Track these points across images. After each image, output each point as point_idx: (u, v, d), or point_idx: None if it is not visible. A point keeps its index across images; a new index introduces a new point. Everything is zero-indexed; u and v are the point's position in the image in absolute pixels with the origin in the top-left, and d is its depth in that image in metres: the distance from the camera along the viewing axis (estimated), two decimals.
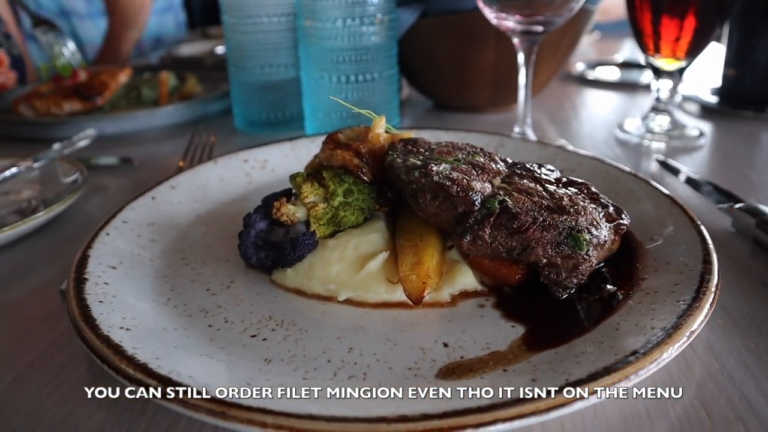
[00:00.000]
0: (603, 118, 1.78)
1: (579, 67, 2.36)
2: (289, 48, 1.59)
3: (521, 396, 0.57)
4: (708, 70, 2.12)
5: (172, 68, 2.18)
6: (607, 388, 0.58)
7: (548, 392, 0.57)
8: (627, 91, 2.11)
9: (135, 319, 0.75)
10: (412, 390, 0.62)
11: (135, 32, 3.05)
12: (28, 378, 0.74)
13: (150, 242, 0.97)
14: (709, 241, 0.84)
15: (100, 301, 0.77)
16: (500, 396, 0.58)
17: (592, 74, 2.28)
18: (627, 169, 1.10)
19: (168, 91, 1.90)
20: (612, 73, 2.32)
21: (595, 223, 0.79)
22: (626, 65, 2.46)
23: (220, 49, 2.70)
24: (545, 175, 0.88)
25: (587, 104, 1.97)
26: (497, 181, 0.84)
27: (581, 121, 1.77)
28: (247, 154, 1.26)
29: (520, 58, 1.36)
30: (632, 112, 1.82)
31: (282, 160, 1.26)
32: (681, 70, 1.48)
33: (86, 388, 0.68)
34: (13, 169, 1.28)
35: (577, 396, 0.57)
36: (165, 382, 0.61)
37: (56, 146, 1.39)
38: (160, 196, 1.09)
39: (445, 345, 0.72)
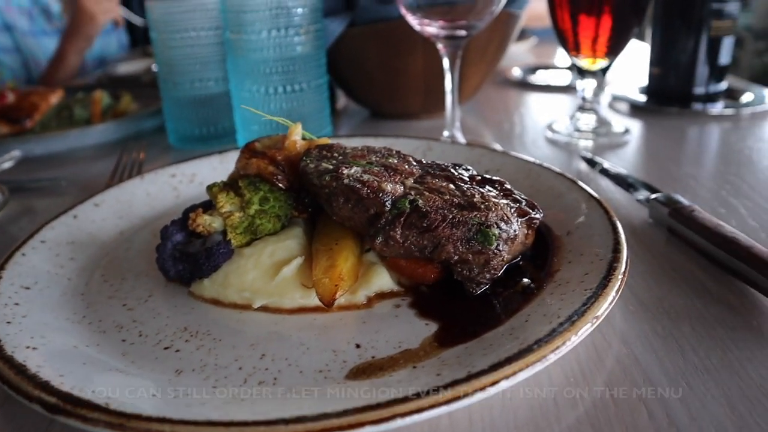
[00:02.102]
0: (535, 121, 1.82)
1: (516, 72, 2.40)
2: (218, 62, 1.59)
3: (420, 390, 0.58)
4: (636, 69, 2.19)
5: (108, 87, 2.15)
6: (508, 378, 0.59)
7: (448, 385, 0.58)
8: (564, 94, 2.16)
9: (44, 338, 0.73)
10: (318, 391, 0.62)
11: (83, 43, 2.99)
12: None
13: (69, 260, 0.95)
14: (620, 230, 0.86)
15: (8, 322, 0.75)
16: (401, 392, 0.58)
17: (531, 78, 2.33)
18: (548, 166, 1.12)
19: (101, 110, 1.87)
20: (550, 77, 2.37)
21: (505, 218, 0.80)
22: (570, 68, 2.52)
23: (156, 67, 2.67)
24: (459, 174, 0.89)
25: (521, 108, 2.01)
26: (410, 182, 0.85)
27: (513, 123, 1.80)
28: (174, 168, 1.25)
29: (446, 63, 1.38)
30: (566, 113, 1.86)
31: (211, 174, 1.25)
32: (604, 70, 1.52)
33: None
34: None
35: (477, 387, 0.58)
36: (65, 398, 0.60)
37: None
38: (82, 215, 1.07)
39: (358, 346, 0.72)
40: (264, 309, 0.81)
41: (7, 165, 1.41)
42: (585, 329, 0.66)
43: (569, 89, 2.19)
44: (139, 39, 4.20)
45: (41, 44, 3.26)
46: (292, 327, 0.77)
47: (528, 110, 1.98)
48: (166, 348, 0.74)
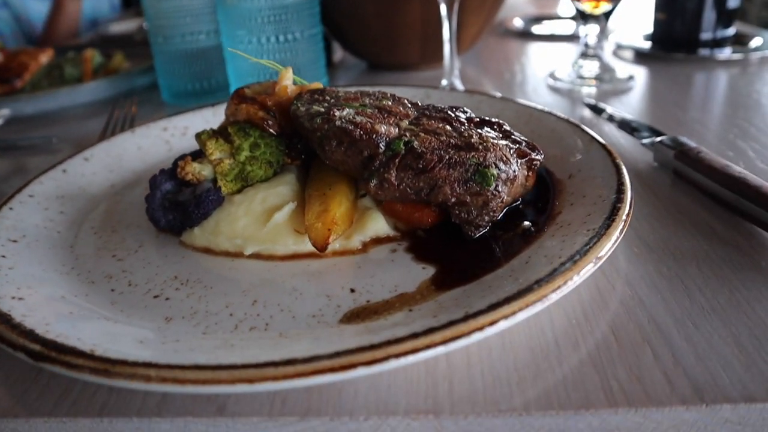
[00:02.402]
0: (537, 69, 1.77)
1: (517, 22, 2.34)
2: (209, 14, 1.54)
3: (416, 331, 0.55)
4: (641, 16, 2.12)
5: (100, 46, 2.10)
6: (507, 318, 0.57)
7: (444, 325, 0.56)
8: (567, 43, 2.10)
9: (31, 289, 0.71)
10: (310, 335, 0.60)
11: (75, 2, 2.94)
12: None
13: (58, 214, 0.93)
14: (624, 171, 0.83)
15: None
16: (396, 333, 0.56)
17: (533, 29, 2.26)
18: (549, 110, 1.08)
19: (93, 68, 1.83)
20: (554, 27, 2.31)
21: (504, 158, 0.77)
22: (573, 18, 2.45)
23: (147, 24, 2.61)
24: (457, 116, 0.86)
25: (523, 57, 1.96)
26: (405, 123, 0.82)
27: (514, 72, 1.75)
28: (166, 122, 1.22)
29: (443, 10, 1.34)
30: (568, 61, 1.81)
31: (203, 126, 1.22)
32: (607, 14, 1.47)
33: None
34: None
35: (474, 327, 0.56)
36: (49, 345, 0.58)
37: None
38: (72, 169, 1.05)
39: (352, 290, 0.70)
40: (256, 256, 0.78)
41: None
42: (587, 269, 0.64)
43: (573, 39, 2.13)
44: (131, 0, 4.11)
45: (42, 7, 3.19)
46: (285, 273, 0.75)
47: (529, 60, 1.93)
48: (155, 296, 0.72)
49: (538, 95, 1.50)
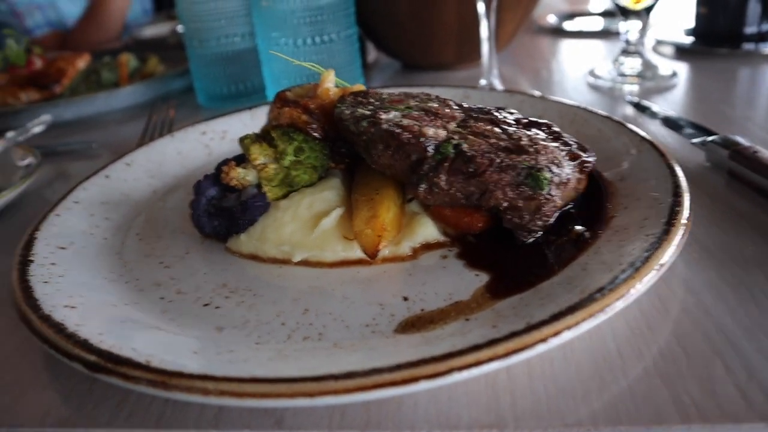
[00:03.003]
0: (575, 67, 1.74)
1: (551, 19, 2.31)
2: (244, 16, 1.54)
3: (478, 342, 0.54)
4: (681, 11, 2.07)
5: (135, 50, 2.12)
6: (570, 329, 0.55)
7: (506, 336, 0.54)
8: (602, 40, 2.06)
9: (82, 297, 0.71)
10: (366, 345, 0.59)
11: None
12: None
13: (104, 220, 0.93)
14: (680, 173, 0.80)
15: (45, 282, 0.73)
16: (457, 345, 0.54)
17: (566, 25, 2.23)
18: (595, 109, 1.06)
19: (128, 72, 1.84)
20: (587, 23, 2.27)
21: (556, 161, 0.75)
22: (605, 14, 2.41)
23: (181, 27, 2.63)
24: (504, 117, 0.84)
25: (559, 55, 1.93)
26: (452, 126, 0.80)
27: (551, 70, 1.72)
28: (204, 126, 1.22)
29: (481, 8, 1.31)
30: (607, 58, 1.78)
31: (242, 130, 1.21)
32: (648, 9, 1.44)
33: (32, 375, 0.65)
34: None
35: (538, 338, 0.54)
36: (105, 356, 0.57)
37: (10, 134, 1.34)
38: (114, 174, 1.05)
39: (405, 299, 0.68)
40: (304, 263, 0.77)
41: (38, 129, 1.39)
42: (650, 276, 0.61)
43: (607, 35, 2.09)
44: (164, 3, 4.14)
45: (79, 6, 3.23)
46: (334, 281, 0.74)
47: (566, 57, 1.89)
48: (205, 305, 0.71)
49: (578, 93, 1.47)
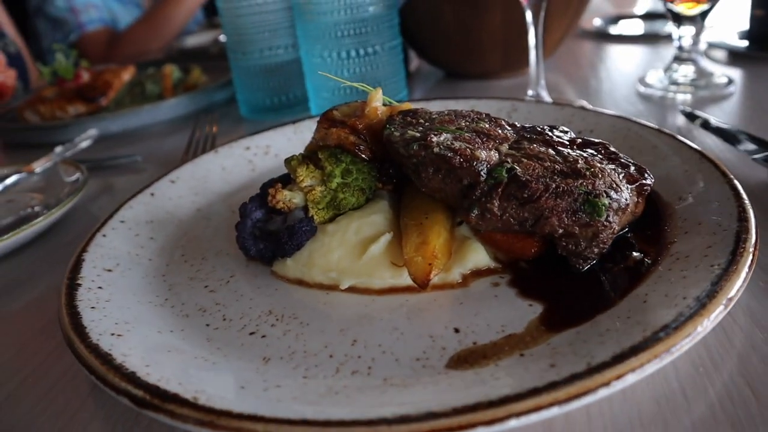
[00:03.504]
0: (623, 74, 1.69)
1: (596, 22, 2.25)
2: (287, 28, 1.53)
3: (538, 385, 0.51)
4: (734, 13, 2.00)
5: (177, 61, 2.14)
6: (635, 371, 0.52)
7: (567, 379, 0.51)
8: (649, 44, 2.00)
9: (128, 324, 0.71)
10: (419, 383, 0.57)
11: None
12: (21, 394, 0.70)
13: (149, 240, 0.93)
14: (744, 196, 0.76)
15: (92, 307, 0.73)
16: (515, 387, 0.52)
17: (611, 29, 2.17)
18: (649, 124, 1.02)
19: (172, 84, 1.86)
20: (632, 27, 2.21)
21: (614, 185, 0.72)
22: (649, 17, 2.34)
23: (223, 37, 2.65)
24: (558, 137, 0.81)
25: (606, 61, 1.88)
26: (504, 147, 0.77)
27: (600, 78, 1.68)
28: (248, 141, 1.22)
29: (528, 16, 1.28)
30: (655, 65, 1.72)
31: (285, 145, 1.21)
32: (703, 14, 1.38)
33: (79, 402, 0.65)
34: (15, 177, 1.25)
35: (600, 382, 0.51)
36: (152, 391, 0.56)
37: (58, 149, 1.36)
38: (159, 192, 1.05)
39: (457, 330, 0.66)
40: (352, 289, 0.76)
41: (85, 144, 1.41)
42: (717, 313, 0.58)
43: (654, 39, 2.02)
44: (210, 11, 4.19)
45: (133, 14, 3.29)
46: (382, 309, 0.72)
47: (613, 63, 1.84)
48: (251, 333, 0.70)
49: (629, 103, 1.42)
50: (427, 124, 0.81)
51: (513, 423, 0.49)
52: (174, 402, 0.55)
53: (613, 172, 0.75)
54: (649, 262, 0.72)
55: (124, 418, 0.63)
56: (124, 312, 0.74)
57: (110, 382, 0.59)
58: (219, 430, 0.52)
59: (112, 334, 0.67)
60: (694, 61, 1.46)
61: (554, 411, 0.50)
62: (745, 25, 1.75)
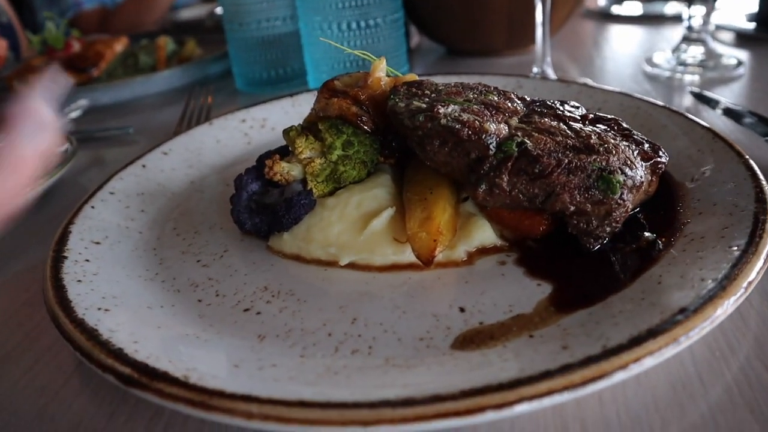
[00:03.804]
0: (629, 54, 1.65)
1: (600, 2, 2.21)
2: None
3: (550, 368, 0.48)
4: None
5: (172, 33, 2.08)
6: (653, 354, 0.49)
7: (581, 362, 0.48)
8: (653, 25, 1.96)
9: (116, 299, 0.67)
10: (423, 364, 0.54)
11: None
12: (3, 370, 0.67)
13: (139, 213, 0.89)
14: (761, 176, 0.73)
15: (79, 281, 0.70)
16: (525, 369, 0.49)
17: (615, 9, 2.13)
18: (660, 103, 0.98)
19: (166, 56, 1.81)
20: (635, 7, 2.16)
21: (629, 162, 0.69)
22: None
23: (219, 10, 2.59)
24: (569, 112, 0.78)
25: (611, 40, 1.84)
26: (514, 121, 0.74)
27: (605, 58, 1.64)
28: (244, 113, 1.18)
29: None
30: (660, 45, 1.69)
31: (282, 118, 1.17)
32: None
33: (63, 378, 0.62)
34: None
35: (617, 365, 0.48)
36: (141, 369, 0.53)
37: None
38: (151, 164, 1.01)
39: (462, 310, 0.63)
40: (351, 266, 0.72)
41: (75, 114, 1.36)
42: (738, 295, 0.55)
43: (659, 20, 1.98)
44: None
45: None
46: (384, 286, 0.69)
47: (618, 43, 1.80)
48: (246, 310, 0.67)
49: (636, 83, 1.39)
50: (433, 95, 0.77)
51: (523, 407, 0.46)
52: (163, 380, 0.52)
53: (627, 148, 0.71)
54: (663, 242, 0.69)
55: (110, 396, 0.60)
56: (113, 286, 0.70)
57: (96, 358, 0.56)
58: (211, 411, 0.48)
59: (99, 309, 0.64)
60: (703, 42, 1.42)
61: (567, 396, 0.47)
62: (754, 7, 1.71)
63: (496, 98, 0.77)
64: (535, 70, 1.33)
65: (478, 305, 0.63)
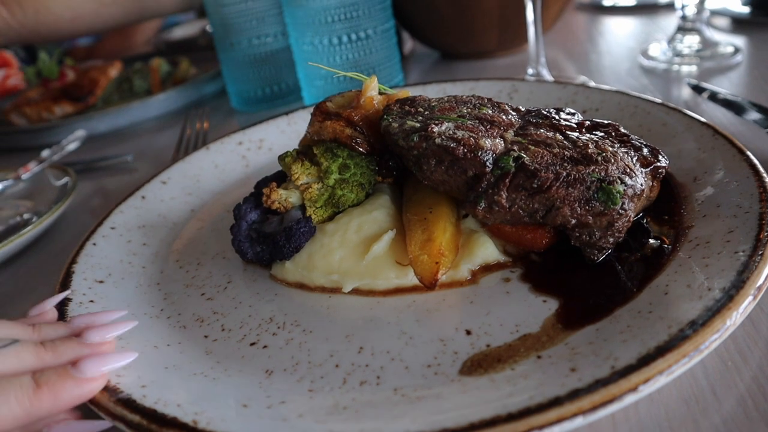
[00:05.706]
0: (624, 47, 1.64)
1: None
2: (275, 15, 1.48)
3: (559, 395, 0.48)
4: None
5: (165, 53, 2.08)
6: (663, 373, 0.49)
7: (590, 386, 0.48)
8: (647, 14, 1.94)
9: (122, 340, 0.67)
10: (431, 394, 0.53)
11: None
12: None
13: (141, 246, 0.89)
14: (765, 174, 0.72)
15: None
16: (534, 396, 0.49)
17: (608, 0, 2.11)
18: (657, 100, 0.97)
19: (160, 78, 1.81)
20: None
21: (628, 170, 0.68)
22: None
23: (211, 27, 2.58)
24: (565, 120, 0.77)
25: (606, 34, 1.82)
26: (510, 134, 0.73)
27: (600, 52, 1.63)
28: (241, 135, 1.17)
29: None
30: (656, 36, 1.67)
31: (279, 137, 1.17)
32: None
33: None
34: (0, 184, 1.20)
35: (627, 388, 0.47)
36: (149, 416, 0.53)
37: (45, 153, 1.31)
38: (150, 194, 1.01)
39: (468, 332, 0.62)
40: (355, 292, 0.72)
41: (73, 146, 1.36)
42: (747, 304, 0.54)
43: (654, 9, 1.97)
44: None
45: None
46: (389, 311, 0.68)
47: (612, 36, 1.79)
48: (252, 344, 0.67)
49: (633, 77, 1.37)
50: (426, 112, 0.77)
51: None
52: (172, 427, 0.51)
53: (625, 155, 0.71)
54: (668, 249, 0.68)
55: None
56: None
57: (104, 406, 0.55)
58: None
59: None
60: (698, 31, 1.41)
61: (578, 422, 0.46)
62: None
63: (490, 111, 0.76)
64: (530, 71, 1.32)
65: (485, 326, 0.63)
